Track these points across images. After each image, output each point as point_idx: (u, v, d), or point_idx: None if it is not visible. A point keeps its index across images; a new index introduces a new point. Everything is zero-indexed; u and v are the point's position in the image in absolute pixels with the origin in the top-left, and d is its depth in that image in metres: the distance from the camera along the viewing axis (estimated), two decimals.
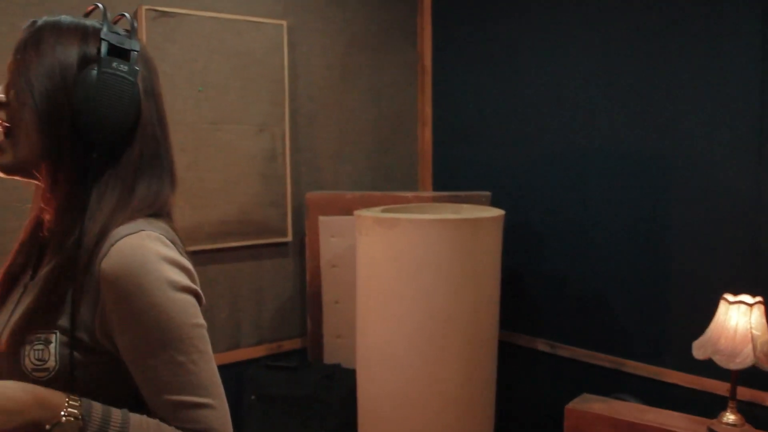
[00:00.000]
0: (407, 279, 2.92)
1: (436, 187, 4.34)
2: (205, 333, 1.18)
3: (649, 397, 3.21)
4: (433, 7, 4.29)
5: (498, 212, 3.13)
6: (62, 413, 1.05)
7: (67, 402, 1.07)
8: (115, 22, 1.27)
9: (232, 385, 3.56)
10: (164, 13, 3.34)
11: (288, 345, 3.88)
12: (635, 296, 3.33)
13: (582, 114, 3.48)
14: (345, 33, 4.04)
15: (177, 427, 1.13)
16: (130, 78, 1.19)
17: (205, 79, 3.47)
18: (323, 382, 3.43)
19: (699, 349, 2.69)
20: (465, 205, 3.42)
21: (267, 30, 3.67)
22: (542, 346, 3.74)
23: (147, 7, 3.29)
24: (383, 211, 3.19)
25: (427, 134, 4.35)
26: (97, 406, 1.10)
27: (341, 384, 3.44)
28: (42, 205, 1.25)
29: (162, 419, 1.14)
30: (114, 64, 1.18)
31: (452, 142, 4.24)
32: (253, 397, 3.42)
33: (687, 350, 2.73)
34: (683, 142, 3.11)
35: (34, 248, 1.32)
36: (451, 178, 4.25)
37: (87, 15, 1.31)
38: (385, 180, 4.24)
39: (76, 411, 1.06)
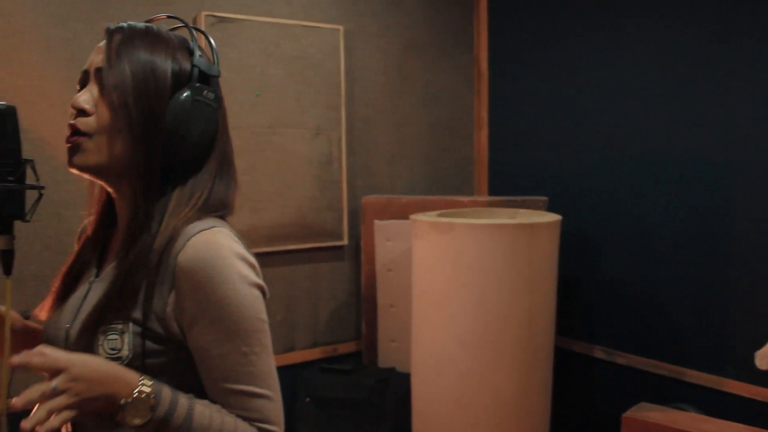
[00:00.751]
0: (463, 284, 2.91)
1: (492, 191, 4.32)
2: (267, 328, 1.24)
3: (709, 407, 3.14)
4: (490, 11, 4.27)
5: (555, 217, 3.10)
6: (135, 391, 1.12)
7: (141, 381, 1.13)
8: (173, 29, 1.31)
9: (286, 387, 3.53)
10: (223, 19, 3.38)
11: (343, 348, 3.89)
12: (695, 303, 3.26)
13: (641, 118, 3.43)
14: (401, 37, 4.04)
15: (237, 415, 1.19)
16: (215, 105, 1.28)
17: (262, 83, 3.50)
18: (378, 386, 3.43)
19: (762, 359, 2.62)
20: (521, 210, 3.39)
21: (324, 34, 3.69)
22: (599, 353, 3.69)
23: (206, 13, 3.33)
24: (439, 215, 3.18)
25: (483, 138, 4.32)
26: (167, 389, 1.16)
27: (396, 388, 3.43)
28: (108, 206, 1.34)
29: (222, 406, 1.20)
30: (204, 93, 1.26)
31: (508, 146, 4.21)
32: (307, 400, 3.43)
33: (749, 360, 2.67)
34: (745, 147, 3.04)
35: (97, 246, 1.39)
36: (507, 183, 4.22)
37: (152, 21, 1.34)
38: (441, 184, 4.23)
39: (148, 389, 1.13)
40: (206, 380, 1.21)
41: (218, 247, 1.19)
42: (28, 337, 1.42)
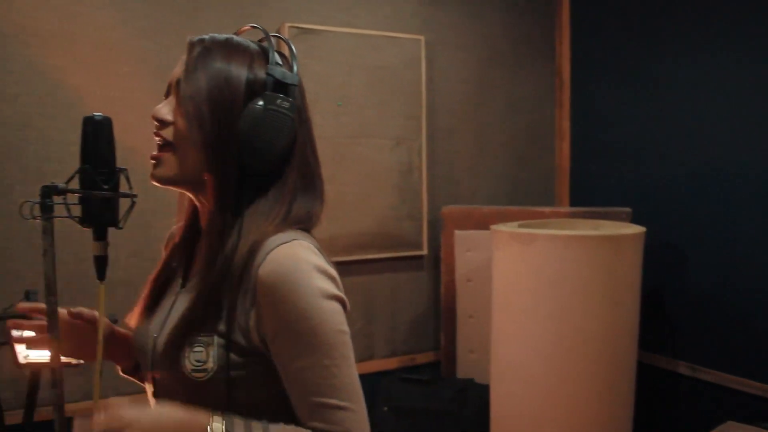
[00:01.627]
0: (544, 296, 2.87)
1: (574, 202, 4.26)
2: (348, 339, 1.22)
3: None
4: (572, 21, 4.22)
5: (639, 229, 3.04)
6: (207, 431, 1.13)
7: (212, 421, 1.14)
8: (261, 40, 1.32)
9: (364, 396, 3.57)
10: (306, 31, 3.43)
11: (421, 358, 3.89)
12: None
13: (726, 128, 3.34)
14: (482, 47, 4.03)
15: (319, 429, 1.18)
16: (290, 114, 1.26)
17: (344, 93, 3.54)
18: (456, 397, 3.41)
19: None
20: (604, 222, 3.34)
21: (405, 45, 3.71)
22: (683, 369, 3.60)
23: (290, 24, 3.39)
24: (520, 226, 3.16)
25: (564, 148, 4.28)
26: (239, 420, 1.16)
27: (474, 399, 3.41)
28: (195, 216, 1.36)
29: (304, 419, 1.19)
30: (278, 101, 1.25)
31: (591, 156, 4.15)
32: (385, 409, 3.44)
33: None
34: None
35: (185, 254, 1.40)
36: (589, 194, 4.16)
37: (239, 33, 1.36)
38: (522, 194, 4.20)
39: (220, 427, 1.14)
40: (290, 393, 1.21)
41: (298, 261, 1.19)
42: (117, 343, 1.46)
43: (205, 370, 1.19)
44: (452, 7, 3.92)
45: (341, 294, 1.24)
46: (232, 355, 1.19)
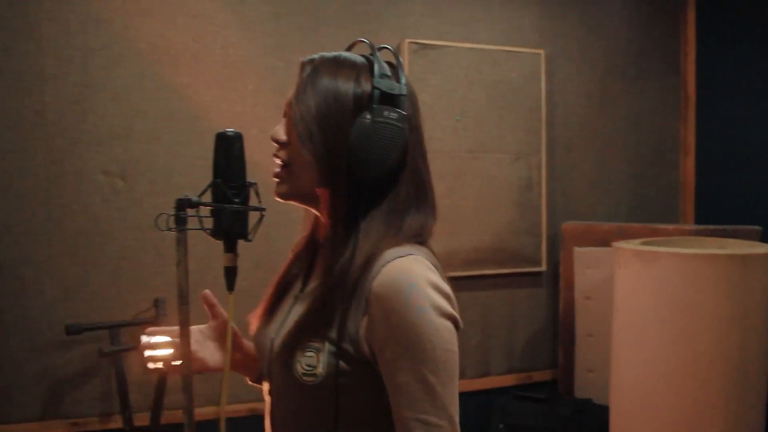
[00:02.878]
0: (668, 316, 2.79)
1: (699, 219, 4.13)
2: (456, 359, 1.22)
3: None
4: (698, 32, 4.10)
5: None
6: None
7: None
8: (379, 50, 1.33)
9: (480, 413, 3.57)
10: (425, 46, 3.45)
11: (538, 376, 3.84)
12: None
13: None
14: (604, 60, 3.96)
15: None
16: (399, 125, 1.26)
17: (463, 108, 3.54)
18: (574, 417, 3.35)
19: None
20: (731, 240, 3.22)
21: (524, 59, 3.69)
22: None
23: (409, 40, 3.42)
24: (643, 243, 3.07)
25: (689, 164, 4.15)
26: None
27: (592, 420, 3.34)
28: (319, 228, 1.38)
29: None
30: (385, 113, 1.25)
31: (717, 172, 4.02)
32: (501, 426, 3.40)
33: None
34: None
35: (306, 262, 1.44)
36: (715, 211, 4.02)
37: (350, 48, 1.38)
38: (644, 211, 4.10)
39: None
40: (392, 405, 1.21)
41: (412, 275, 1.19)
42: (244, 354, 1.52)
43: (314, 375, 1.22)
44: (573, 20, 3.87)
45: (454, 313, 1.23)
46: (342, 363, 1.21)
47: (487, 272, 3.63)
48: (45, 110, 2.97)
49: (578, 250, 3.62)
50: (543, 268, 3.77)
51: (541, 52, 3.73)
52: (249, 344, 1.52)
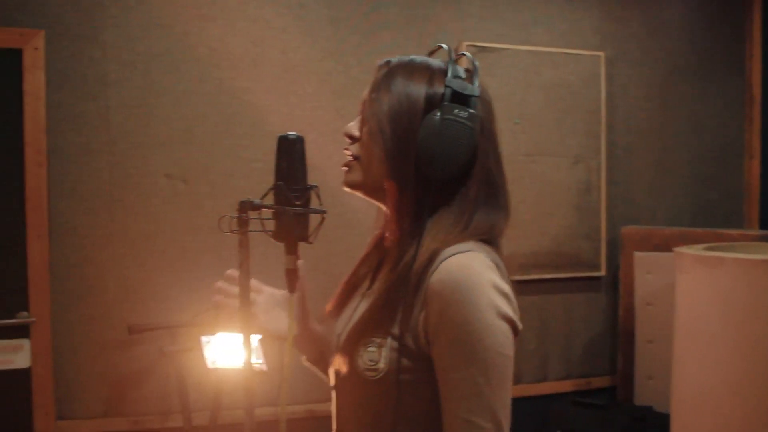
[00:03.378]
0: (732, 324, 2.72)
1: (764, 225, 4.04)
2: (510, 364, 1.20)
3: None
4: (763, 33, 4.01)
5: None
6: None
7: None
8: (457, 60, 1.34)
9: (537, 417, 3.55)
10: (483, 49, 3.44)
11: (597, 382, 3.79)
12: None
13: None
14: (665, 62, 3.90)
15: None
16: (469, 123, 1.26)
17: (521, 111, 3.52)
18: (633, 425, 3.30)
19: None
20: None
21: (584, 61, 3.65)
22: None
23: (468, 43, 3.42)
24: (706, 248, 3.01)
25: (754, 168, 4.06)
26: None
27: (653, 428, 3.29)
28: (387, 225, 1.39)
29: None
30: (455, 111, 1.25)
31: None
32: None
33: None
34: None
35: (375, 261, 1.47)
36: None
37: (431, 54, 1.38)
38: (706, 216, 4.02)
39: None
40: (442, 402, 1.21)
41: (470, 271, 1.19)
42: (307, 333, 1.52)
43: (376, 370, 1.23)
44: (634, 21, 3.82)
45: (512, 315, 1.22)
46: (403, 359, 1.22)
47: (546, 276, 3.60)
48: (108, 114, 3.04)
49: (638, 255, 3.57)
50: (602, 272, 3.73)
51: (601, 54, 3.69)
52: (315, 324, 1.53)
